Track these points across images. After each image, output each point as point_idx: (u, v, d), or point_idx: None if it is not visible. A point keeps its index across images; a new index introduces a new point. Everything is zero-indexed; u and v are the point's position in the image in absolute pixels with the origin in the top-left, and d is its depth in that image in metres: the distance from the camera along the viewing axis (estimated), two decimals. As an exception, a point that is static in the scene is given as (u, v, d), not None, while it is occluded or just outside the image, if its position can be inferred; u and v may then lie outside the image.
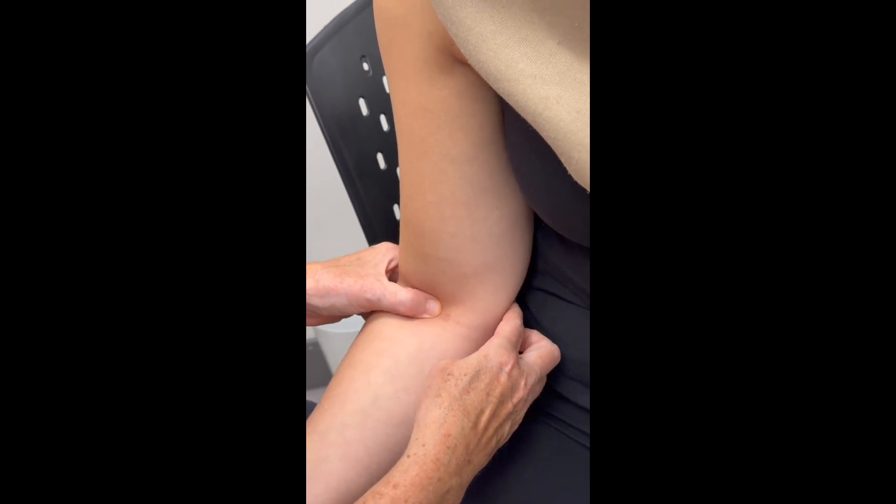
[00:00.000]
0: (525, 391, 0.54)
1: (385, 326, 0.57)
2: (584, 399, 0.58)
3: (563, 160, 0.41)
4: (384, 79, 0.78)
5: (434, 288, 0.57)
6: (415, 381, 0.54)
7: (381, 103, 0.78)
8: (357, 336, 0.59)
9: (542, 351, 0.57)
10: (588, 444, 0.59)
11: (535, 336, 0.60)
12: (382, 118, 0.78)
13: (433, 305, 0.57)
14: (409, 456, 0.48)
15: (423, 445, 0.48)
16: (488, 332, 0.58)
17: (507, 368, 0.53)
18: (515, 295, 0.59)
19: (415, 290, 0.57)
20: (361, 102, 0.76)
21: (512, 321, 0.57)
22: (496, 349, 0.54)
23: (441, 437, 0.48)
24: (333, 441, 0.52)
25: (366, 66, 0.77)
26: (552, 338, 0.59)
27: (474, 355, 0.54)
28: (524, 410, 0.55)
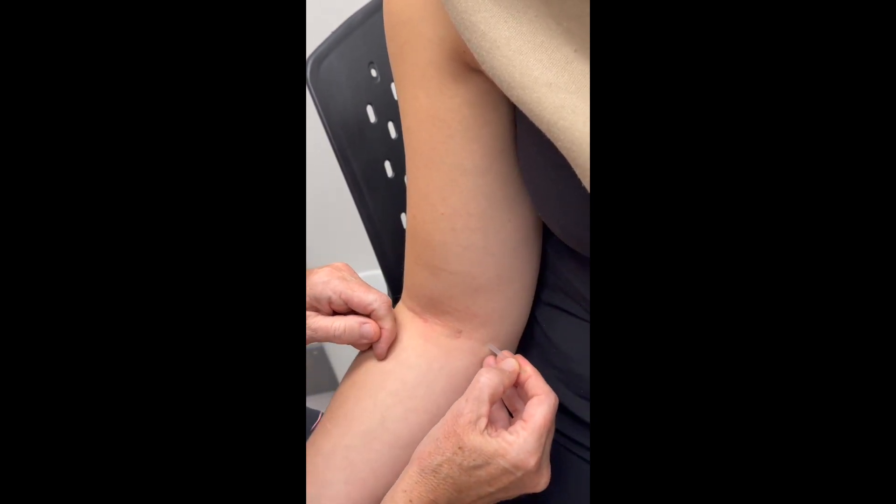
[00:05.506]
0: (531, 488, 0.49)
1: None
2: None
3: (577, 172, 0.40)
4: (392, 85, 0.77)
5: (445, 302, 0.55)
6: (423, 401, 0.53)
7: (390, 110, 0.77)
8: (357, 357, 0.58)
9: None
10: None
11: (540, 388, 0.51)
12: (390, 125, 0.77)
13: (368, 329, 0.54)
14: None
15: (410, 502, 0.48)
16: (502, 346, 0.56)
17: (520, 474, 0.47)
18: (529, 307, 0.58)
19: (347, 317, 0.55)
20: (369, 109, 0.75)
21: (543, 406, 0.49)
22: (521, 448, 0.47)
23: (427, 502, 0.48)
24: (338, 464, 0.51)
25: (374, 73, 0.76)
26: (561, 354, 0.58)
27: (497, 441, 0.47)
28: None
